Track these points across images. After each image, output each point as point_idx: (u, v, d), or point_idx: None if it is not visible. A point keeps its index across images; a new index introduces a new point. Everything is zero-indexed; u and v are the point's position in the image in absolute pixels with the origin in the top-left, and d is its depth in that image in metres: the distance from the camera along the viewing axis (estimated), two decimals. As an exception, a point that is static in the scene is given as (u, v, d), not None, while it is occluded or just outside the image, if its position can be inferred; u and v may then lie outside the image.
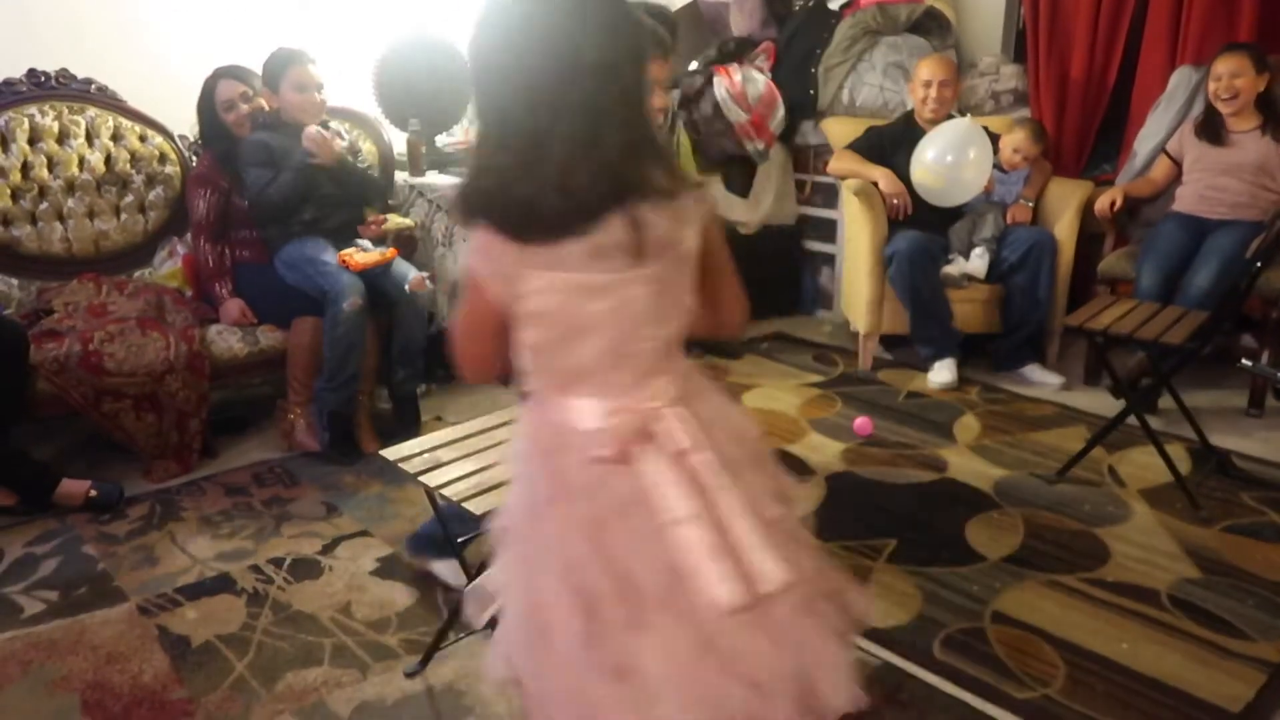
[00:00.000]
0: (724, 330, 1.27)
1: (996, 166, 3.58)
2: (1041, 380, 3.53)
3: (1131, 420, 2.71)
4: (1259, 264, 2.54)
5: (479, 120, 1.14)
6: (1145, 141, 3.65)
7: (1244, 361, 3.17)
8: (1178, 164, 3.48)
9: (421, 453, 1.88)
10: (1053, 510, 2.60)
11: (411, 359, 3.07)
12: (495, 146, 1.09)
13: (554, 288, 1.10)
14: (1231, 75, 3.22)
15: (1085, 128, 3.92)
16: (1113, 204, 3.47)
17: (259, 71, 3.03)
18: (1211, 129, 3.34)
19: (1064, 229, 3.55)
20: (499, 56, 1.08)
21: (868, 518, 2.56)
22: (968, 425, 3.18)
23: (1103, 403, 3.30)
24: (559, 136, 1.05)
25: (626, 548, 1.12)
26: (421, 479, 1.79)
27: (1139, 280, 3.29)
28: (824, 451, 2.98)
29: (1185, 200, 3.41)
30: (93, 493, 2.60)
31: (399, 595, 2.22)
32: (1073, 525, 2.53)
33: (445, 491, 1.74)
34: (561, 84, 1.05)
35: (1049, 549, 2.41)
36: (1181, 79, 3.59)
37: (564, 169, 1.04)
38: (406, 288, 3.00)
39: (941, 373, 3.52)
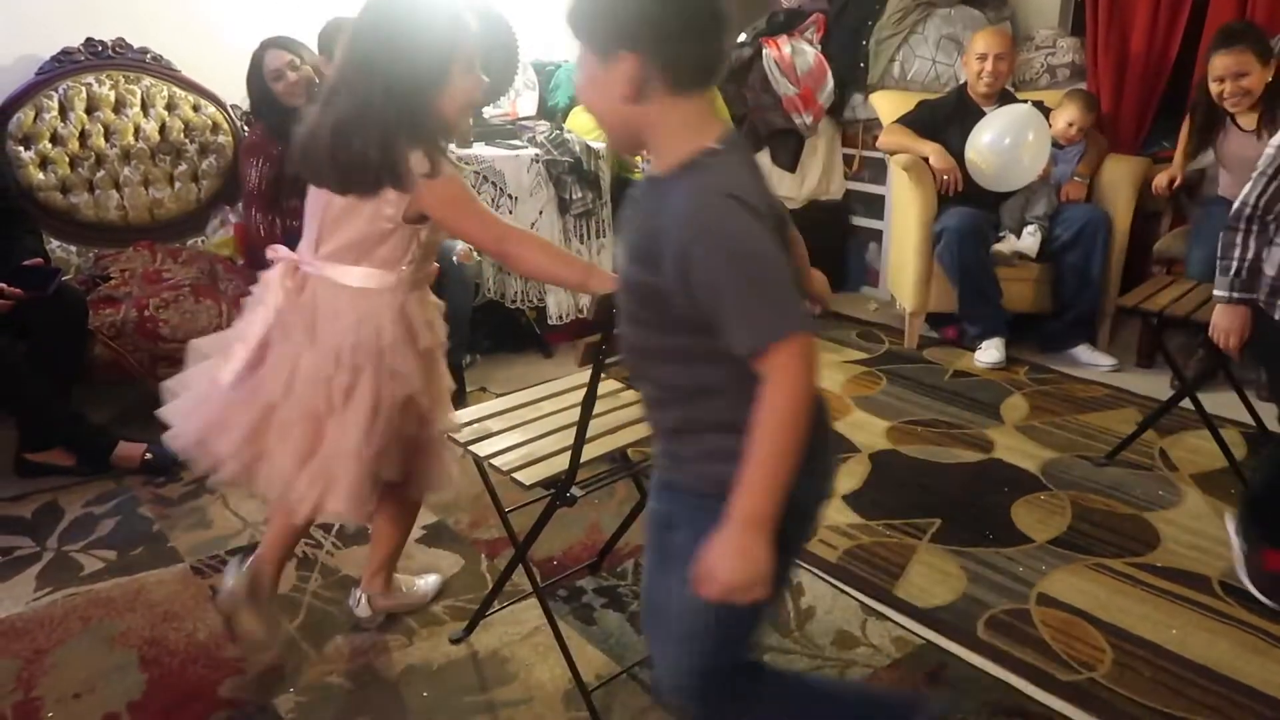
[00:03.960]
0: None
1: (1053, 144, 3.49)
2: (1092, 361, 3.48)
3: (1185, 404, 2.65)
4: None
5: None
6: (1207, 118, 3.54)
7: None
8: None
9: (470, 422, 1.90)
10: (1101, 493, 2.57)
11: (457, 329, 3.06)
12: None
13: None
14: (1235, 76, 2.95)
15: (1145, 104, 3.82)
16: (1171, 182, 3.38)
17: (308, 43, 3.04)
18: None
19: (1120, 207, 3.48)
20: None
21: (912, 496, 2.55)
22: (1015, 405, 3.14)
23: (1155, 385, 3.24)
24: None
25: None
26: (471, 449, 1.80)
27: (1189, 261, 3.21)
28: (868, 429, 2.96)
29: (1228, 184, 3.30)
30: (148, 455, 2.66)
31: (444, 563, 2.25)
32: (1122, 509, 2.49)
33: (495, 462, 1.75)
34: None
35: (1097, 532, 2.38)
36: (1247, 53, 3.47)
37: None
38: (454, 259, 3.01)
39: (989, 352, 3.47)
